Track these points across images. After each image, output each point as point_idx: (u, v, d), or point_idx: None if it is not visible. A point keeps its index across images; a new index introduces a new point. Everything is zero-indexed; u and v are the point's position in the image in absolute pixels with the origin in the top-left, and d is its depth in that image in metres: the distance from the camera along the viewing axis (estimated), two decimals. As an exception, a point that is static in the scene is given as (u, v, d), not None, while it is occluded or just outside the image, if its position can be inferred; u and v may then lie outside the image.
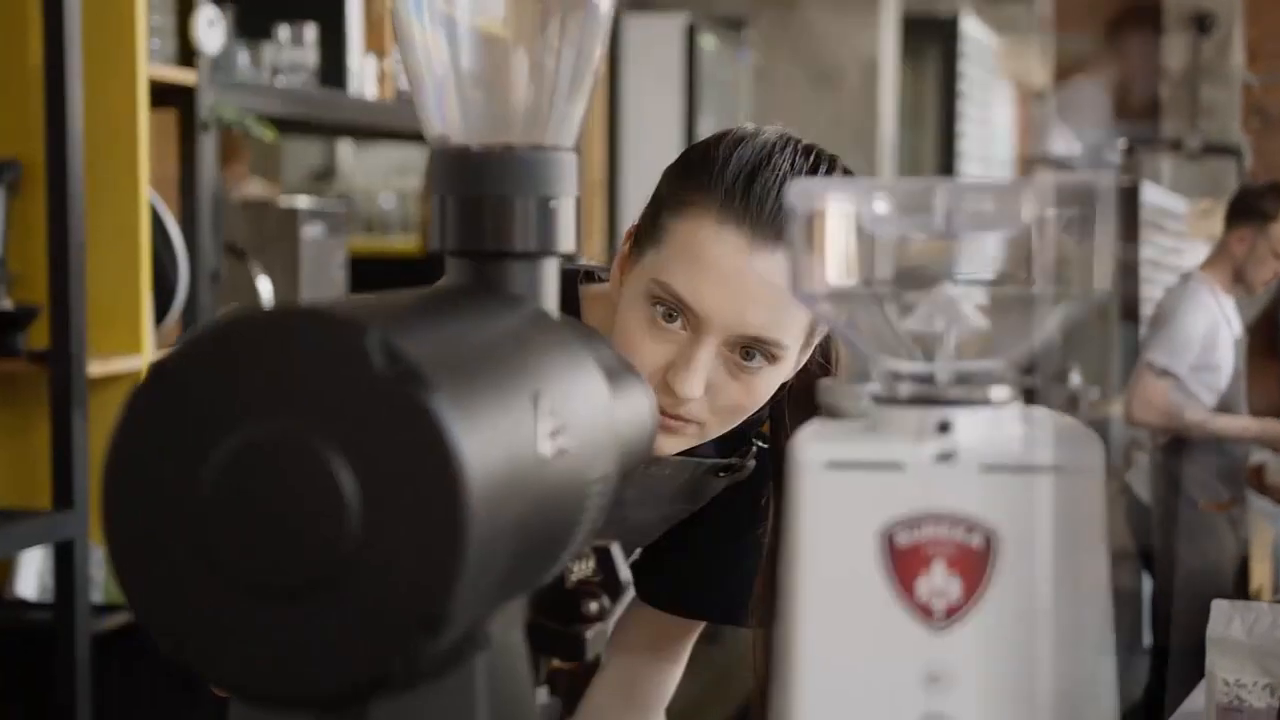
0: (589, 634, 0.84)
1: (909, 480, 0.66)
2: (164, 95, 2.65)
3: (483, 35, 0.77)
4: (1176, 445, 4.33)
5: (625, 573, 0.84)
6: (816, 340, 1.32)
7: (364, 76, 3.23)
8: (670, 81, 4.91)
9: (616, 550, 0.84)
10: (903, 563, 0.66)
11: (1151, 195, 6.85)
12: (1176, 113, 7.68)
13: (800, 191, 0.69)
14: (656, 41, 4.91)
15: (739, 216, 1.23)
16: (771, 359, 1.25)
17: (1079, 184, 0.67)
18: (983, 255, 0.72)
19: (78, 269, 2.35)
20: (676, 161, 1.31)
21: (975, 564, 0.65)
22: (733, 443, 1.41)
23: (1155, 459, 4.46)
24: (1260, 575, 4.67)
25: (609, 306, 1.33)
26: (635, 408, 0.83)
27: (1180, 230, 7.15)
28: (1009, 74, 8.50)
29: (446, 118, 0.77)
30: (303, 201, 3.18)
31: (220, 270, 2.77)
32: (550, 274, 0.78)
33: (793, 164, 1.25)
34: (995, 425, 0.67)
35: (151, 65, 2.56)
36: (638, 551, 1.53)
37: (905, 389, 0.68)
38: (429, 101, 0.77)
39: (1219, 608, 2.00)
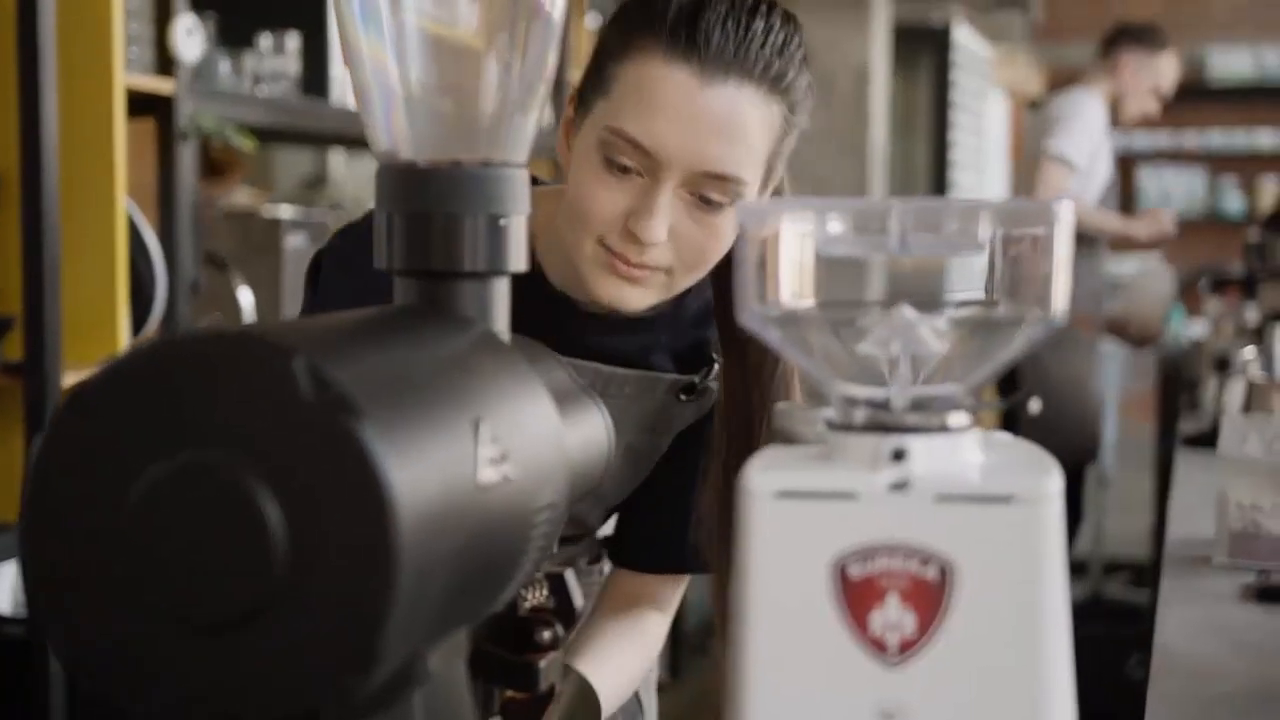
0: (543, 663, 0.81)
1: (862, 510, 0.64)
2: (143, 104, 2.62)
3: (430, 48, 0.75)
4: None
5: (579, 599, 0.82)
6: (775, 180, 1.31)
7: (346, 85, 3.21)
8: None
9: (570, 576, 0.81)
10: (855, 596, 0.64)
11: (963, 37, 6.90)
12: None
13: (750, 212, 0.66)
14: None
15: (686, 52, 1.22)
16: (732, 196, 1.24)
17: (1036, 206, 0.64)
18: (965, 275, 0.70)
19: (53, 280, 2.32)
20: (615, 13, 1.29)
21: (930, 597, 0.63)
22: (693, 363, 1.40)
23: None
24: None
25: (550, 202, 1.33)
26: (588, 431, 0.80)
27: (985, 75, 7.29)
28: (1002, 82, 8.49)
29: (394, 132, 0.75)
30: (286, 211, 3.15)
31: (200, 281, 2.75)
32: (501, 294, 0.75)
33: (733, 1, 1.24)
34: (952, 453, 0.65)
35: (129, 74, 2.53)
36: (610, 524, 1.51)
37: (860, 415, 0.66)
38: (376, 116, 0.75)
39: (1231, 422, 1.86)
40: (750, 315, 0.67)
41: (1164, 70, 4.58)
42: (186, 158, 2.67)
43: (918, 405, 0.66)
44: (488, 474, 0.64)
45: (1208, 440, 2.71)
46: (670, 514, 1.45)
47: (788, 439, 0.71)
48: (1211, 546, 1.85)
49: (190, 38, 2.63)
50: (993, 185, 7.99)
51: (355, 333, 0.65)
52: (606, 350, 1.38)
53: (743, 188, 1.24)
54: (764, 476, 0.65)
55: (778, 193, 1.34)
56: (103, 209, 2.45)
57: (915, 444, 0.64)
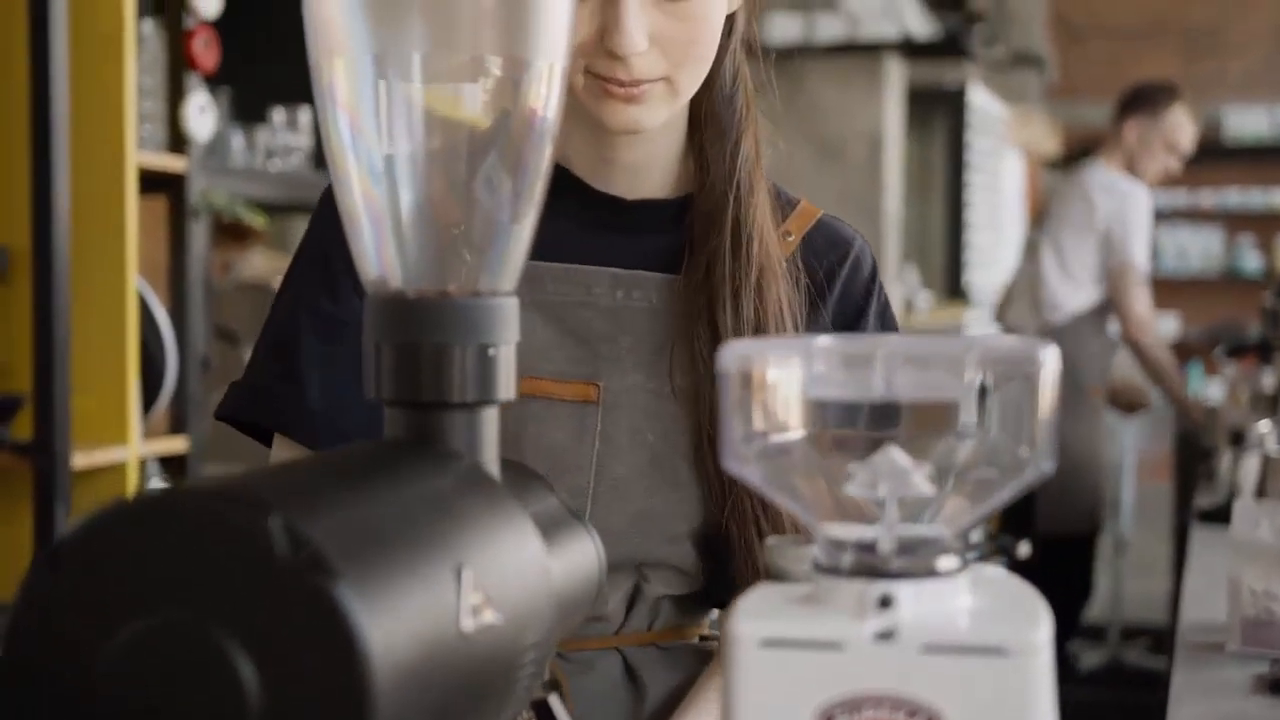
0: (536, 793, 0.80)
1: (848, 660, 0.63)
2: (155, 181, 2.63)
3: (420, 175, 0.75)
4: (1071, 329, 4.39)
5: (569, 727, 0.81)
6: None
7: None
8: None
9: (555, 702, 0.81)
10: (841, 747, 0.62)
11: (978, 98, 6.92)
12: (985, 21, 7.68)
13: (734, 353, 0.66)
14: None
15: None
16: None
17: (1022, 350, 0.64)
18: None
19: (62, 359, 2.32)
20: None
21: (918, 749, 0.62)
22: None
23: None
24: None
25: None
26: (576, 558, 0.80)
27: (1001, 134, 7.31)
28: (1018, 142, 8.50)
29: (383, 261, 0.75)
30: (298, 284, 3.15)
31: (210, 357, 2.75)
32: (490, 424, 0.75)
33: None
34: (940, 598, 0.64)
35: (142, 153, 2.55)
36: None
37: (847, 559, 0.65)
38: (364, 244, 0.75)
39: (1243, 508, 1.84)
40: (732, 455, 0.66)
41: (1172, 127, 4.52)
42: (198, 235, 2.68)
43: (905, 547, 0.66)
44: (471, 622, 0.63)
45: (1223, 515, 2.68)
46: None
47: (777, 575, 0.71)
48: (1225, 632, 1.83)
49: (203, 115, 2.64)
50: (1009, 245, 7.98)
51: (336, 478, 0.65)
52: (627, 251, 1.28)
53: None
54: (750, 624, 0.64)
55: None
56: (114, 287, 2.46)
57: (902, 590, 0.64)
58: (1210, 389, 5.64)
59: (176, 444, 2.65)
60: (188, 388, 2.62)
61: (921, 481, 0.65)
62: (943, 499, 0.66)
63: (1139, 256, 4.35)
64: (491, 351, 0.74)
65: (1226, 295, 9.42)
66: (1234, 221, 9.73)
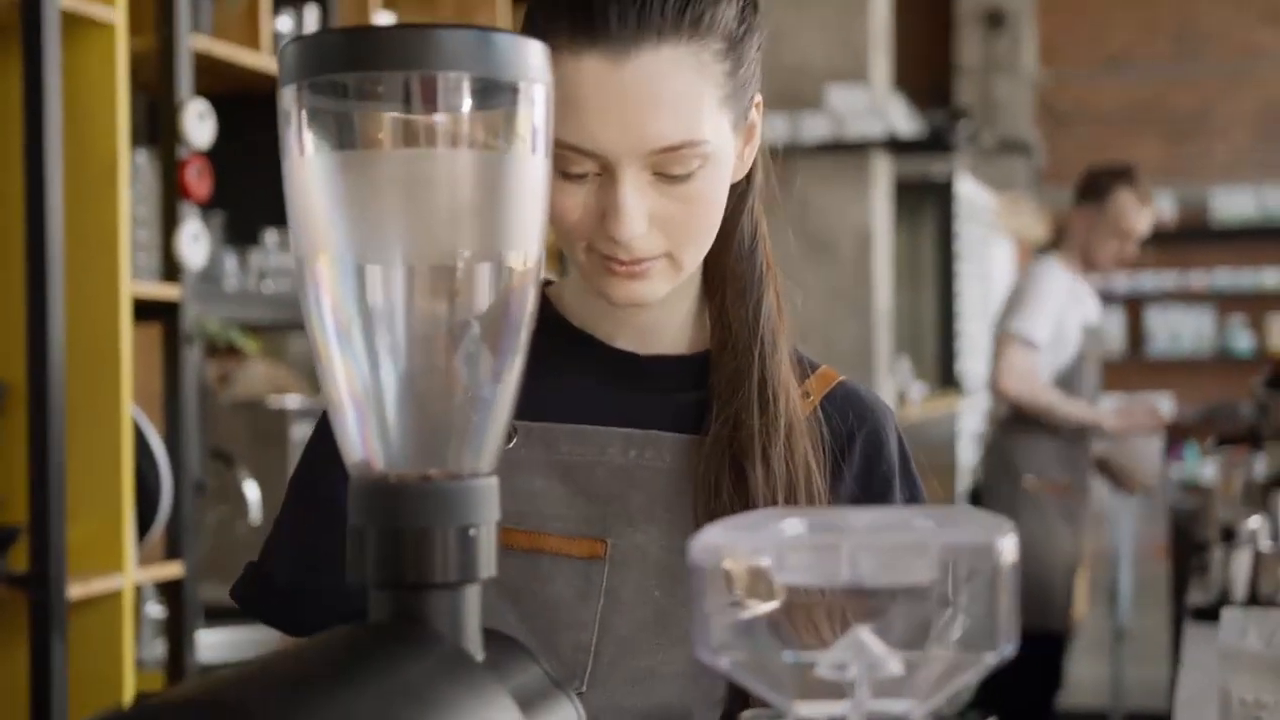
0: None
1: (820, 846, 0.64)
2: (148, 309, 2.66)
3: (402, 363, 0.77)
4: (1015, 421, 4.40)
5: None
6: (749, 108, 1.23)
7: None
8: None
9: None
10: None
11: (966, 189, 6.98)
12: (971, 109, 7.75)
13: (704, 544, 0.68)
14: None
15: (590, 36, 1.14)
16: (699, 160, 1.16)
17: (980, 544, 0.66)
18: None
19: (58, 491, 2.34)
20: (523, 27, 1.19)
21: None
22: None
23: (991, 436, 4.53)
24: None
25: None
26: (559, 729, 0.81)
27: (990, 222, 7.36)
28: (1008, 229, 8.57)
29: (367, 446, 0.77)
30: (293, 401, 3.19)
31: (205, 481, 2.77)
32: (472, 602, 0.77)
33: None
34: (910, 780, 0.66)
35: (136, 282, 2.58)
36: None
37: (818, 741, 0.67)
38: (349, 430, 0.77)
39: (1231, 616, 1.83)
40: (703, 644, 0.68)
41: (1117, 213, 4.47)
42: (192, 361, 2.71)
43: (876, 727, 0.68)
44: (452, 814, 0.65)
45: (1216, 613, 2.69)
46: None
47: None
48: (1219, 744, 1.84)
49: (196, 243, 2.68)
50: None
51: (317, 674, 0.67)
52: (641, 409, 1.28)
53: (704, 146, 1.16)
54: (724, 810, 0.66)
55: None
56: (109, 417, 2.48)
57: (873, 773, 0.66)
58: (1205, 470, 5.65)
59: (172, 569, 2.66)
60: (183, 512, 2.64)
61: (892, 662, 0.68)
62: (912, 677, 0.68)
63: (1018, 324, 4.39)
64: (473, 532, 0.76)
65: (1219, 375, 9.47)
66: (1225, 302, 9.81)
